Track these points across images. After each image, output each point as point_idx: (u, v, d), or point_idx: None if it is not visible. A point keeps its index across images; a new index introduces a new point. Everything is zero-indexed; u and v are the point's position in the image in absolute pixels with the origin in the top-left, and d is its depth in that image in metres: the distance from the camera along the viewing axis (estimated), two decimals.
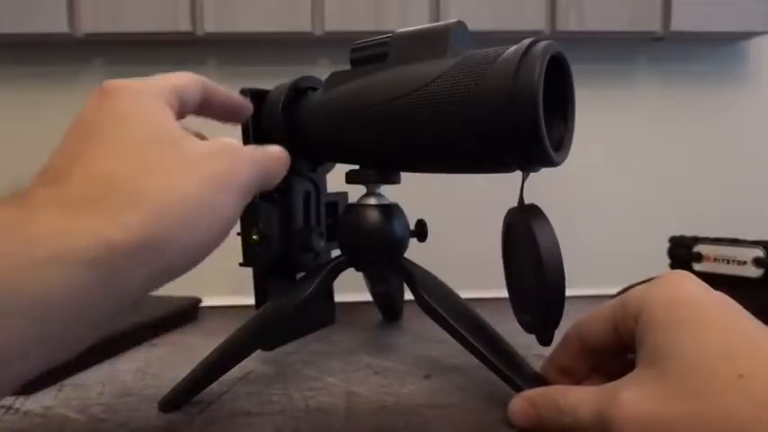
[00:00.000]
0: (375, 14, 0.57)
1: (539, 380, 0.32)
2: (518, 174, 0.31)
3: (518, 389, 0.31)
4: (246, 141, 0.37)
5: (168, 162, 0.22)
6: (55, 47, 0.59)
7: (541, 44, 0.28)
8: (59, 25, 0.55)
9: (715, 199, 0.65)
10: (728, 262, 0.47)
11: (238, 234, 0.37)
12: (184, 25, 0.56)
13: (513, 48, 0.29)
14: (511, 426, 0.29)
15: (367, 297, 0.52)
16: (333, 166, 0.44)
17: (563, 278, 0.29)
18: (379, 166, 0.36)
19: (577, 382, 0.31)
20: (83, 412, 0.32)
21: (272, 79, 0.39)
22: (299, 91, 0.38)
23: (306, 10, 0.57)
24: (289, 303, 0.35)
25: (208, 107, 0.29)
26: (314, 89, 0.39)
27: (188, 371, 0.38)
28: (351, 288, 0.48)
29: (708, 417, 0.22)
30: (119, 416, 0.31)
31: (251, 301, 0.40)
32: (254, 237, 0.37)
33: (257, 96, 0.37)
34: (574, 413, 0.26)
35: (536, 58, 0.27)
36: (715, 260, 0.48)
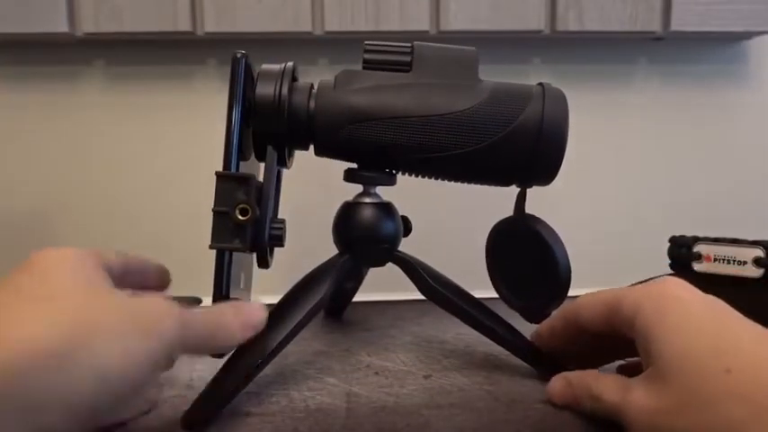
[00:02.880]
0: (375, 14, 0.57)
1: (535, 349, 0.38)
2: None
3: (523, 358, 0.38)
4: (230, 121, 0.33)
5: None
6: (55, 47, 0.59)
7: (554, 87, 0.36)
8: (59, 25, 0.55)
9: (715, 199, 0.65)
10: (728, 262, 0.47)
11: (213, 210, 0.32)
12: (184, 25, 0.56)
13: (535, 89, 0.36)
14: (552, 405, 0.33)
15: (367, 297, 0.52)
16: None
17: (570, 275, 0.36)
18: (388, 170, 0.38)
19: (563, 344, 0.36)
20: None
21: None
22: (294, 78, 0.36)
23: (306, 10, 0.57)
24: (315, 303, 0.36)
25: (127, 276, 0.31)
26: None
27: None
28: None
29: (702, 409, 0.25)
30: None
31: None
32: (240, 216, 0.31)
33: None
34: (600, 397, 0.30)
35: (562, 99, 0.35)
36: (715, 260, 0.48)
